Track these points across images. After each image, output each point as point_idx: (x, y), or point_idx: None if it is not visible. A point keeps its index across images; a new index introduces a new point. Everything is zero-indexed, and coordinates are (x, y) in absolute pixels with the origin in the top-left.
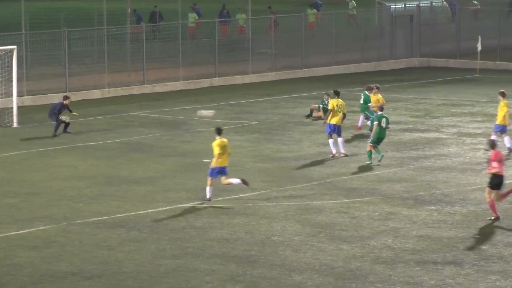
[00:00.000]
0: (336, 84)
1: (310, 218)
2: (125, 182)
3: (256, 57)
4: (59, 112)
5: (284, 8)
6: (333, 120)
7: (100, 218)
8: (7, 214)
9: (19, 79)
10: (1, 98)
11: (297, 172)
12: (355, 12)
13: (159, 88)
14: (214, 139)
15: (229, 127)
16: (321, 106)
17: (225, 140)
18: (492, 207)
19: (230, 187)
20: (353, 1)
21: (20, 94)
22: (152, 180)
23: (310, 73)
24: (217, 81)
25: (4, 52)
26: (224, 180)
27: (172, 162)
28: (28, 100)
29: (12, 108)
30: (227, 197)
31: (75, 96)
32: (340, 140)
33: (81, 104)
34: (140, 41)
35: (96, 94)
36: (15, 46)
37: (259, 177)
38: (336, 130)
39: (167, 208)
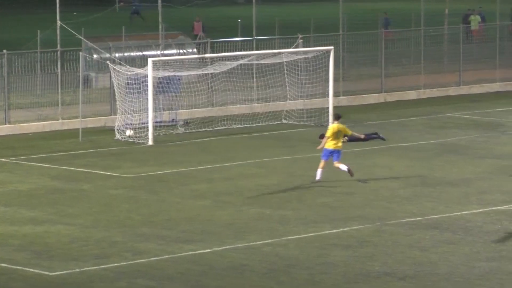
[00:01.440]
0: None
1: None
2: (440, 183)
3: None
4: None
5: None
6: None
7: (414, 219)
8: (321, 213)
9: (335, 80)
10: (318, 98)
11: None
12: None
13: (475, 89)
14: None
15: None
16: None
17: (340, 125)
18: None
19: None
20: None
21: (336, 94)
22: (466, 182)
23: None
24: None
25: (321, 53)
26: (336, 164)
27: (487, 164)
28: (344, 101)
29: (328, 108)
30: None
31: (391, 97)
32: None
33: (396, 105)
34: (457, 42)
35: (411, 95)
36: (332, 47)
37: None
38: None
39: (482, 210)
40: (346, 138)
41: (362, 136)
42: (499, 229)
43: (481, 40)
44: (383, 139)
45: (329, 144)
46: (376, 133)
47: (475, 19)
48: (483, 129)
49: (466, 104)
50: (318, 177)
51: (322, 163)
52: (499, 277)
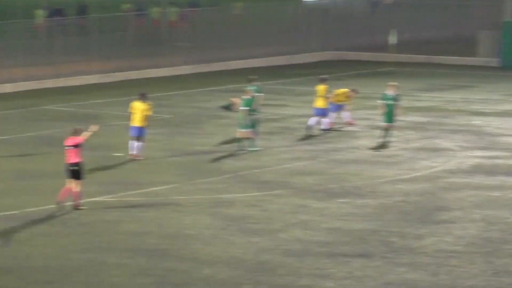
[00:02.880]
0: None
1: (221, 211)
2: (37, 176)
3: (171, 50)
4: None
5: (203, 1)
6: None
7: (11, 212)
8: None
9: None
10: None
11: (209, 165)
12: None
13: (73, 81)
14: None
15: None
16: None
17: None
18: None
19: (139, 180)
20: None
21: None
22: (63, 174)
23: (224, 66)
24: (132, 75)
25: None
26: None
27: (83, 156)
28: None
29: None
30: (139, 191)
31: None
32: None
33: None
34: (55, 34)
35: (8, 88)
36: None
37: (171, 170)
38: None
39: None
40: None
41: None
42: (95, 220)
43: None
44: None
45: None
46: None
47: (40, 13)
48: (79, 121)
49: (63, 97)
50: None
51: None
52: (94, 267)
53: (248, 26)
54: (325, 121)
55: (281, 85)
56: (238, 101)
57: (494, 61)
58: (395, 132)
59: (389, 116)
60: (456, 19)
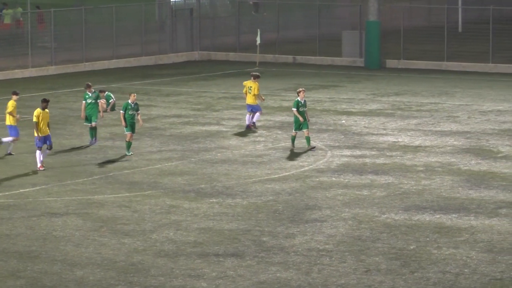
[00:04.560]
0: (117, 78)
1: (91, 213)
2: None
3: (36, 51)
4: None
5: (62, 2)
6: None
7: None
8: None
9: None
10: None
11: (79, 167)
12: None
13: None
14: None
15: None
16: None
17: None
18: None
19: (7, 182)
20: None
21: None
22: None
23: (90, 66)
24: None
25: None
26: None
27: None
28: None
29: None
30: (7, 193)
31: None
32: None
33: None
34: None
35: None
36: None
37: (40, 172)
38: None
39: None
40: None
41: None
42: None
43: None
44: None
45: None
46: None
47: None
48: None
49: None
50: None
51: None
52: None
53: (113, 26)
54: (257, 116)
55: (149, 86)
56: (103, 102)
57: (358, 61)
58: (264, 132)
59: (305, 122)
60: (321, 19)
